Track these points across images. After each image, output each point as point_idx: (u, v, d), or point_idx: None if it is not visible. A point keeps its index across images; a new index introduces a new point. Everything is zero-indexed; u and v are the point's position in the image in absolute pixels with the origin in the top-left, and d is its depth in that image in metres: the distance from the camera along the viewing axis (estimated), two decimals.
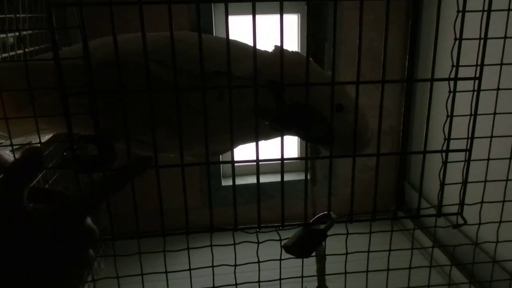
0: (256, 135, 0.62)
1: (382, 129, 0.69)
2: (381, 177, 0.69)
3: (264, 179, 1.85)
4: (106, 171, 0.60)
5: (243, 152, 1.68)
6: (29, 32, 1.25)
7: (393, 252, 0.77)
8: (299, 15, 1.85)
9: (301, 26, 1.84)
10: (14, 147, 0.64)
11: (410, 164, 1.99)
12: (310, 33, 0.62)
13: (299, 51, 1.92)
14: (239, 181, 1.96)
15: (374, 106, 0.85)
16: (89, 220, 0.34)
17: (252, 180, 1.93)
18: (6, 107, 0.60)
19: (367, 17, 0.63)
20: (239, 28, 1.75)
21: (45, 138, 1.07)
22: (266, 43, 0.67)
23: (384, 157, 0.67)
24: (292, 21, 1.86)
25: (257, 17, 0.58)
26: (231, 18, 1.75)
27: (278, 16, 0.57)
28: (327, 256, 0.74)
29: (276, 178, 2.00)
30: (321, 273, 1.06)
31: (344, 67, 1.85)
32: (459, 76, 0.63)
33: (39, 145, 0.62)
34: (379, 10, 0.61)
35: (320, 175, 2.12)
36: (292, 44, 1.86)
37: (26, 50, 1.17)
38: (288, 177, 1.73)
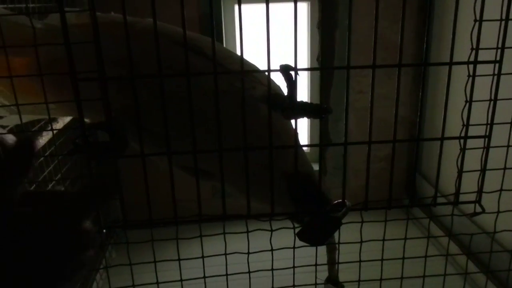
0: (269, 124, 0.60)
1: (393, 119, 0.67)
2: (394, 167, 0.67)
3: None
4: (117, 157, 0.59)
5: None
6: (36, 9, 1.24)
7: (405, 243, 0.75)
8: (309, 3, 1.82)
9: (311, 14, 1.82)
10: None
11: (421, 155, 1.96)
12: (323, 21, 0.60)
13: (309, 39, 1.90)
14: None
15: (385, 95, 0.84)
16: (86, 221, 0.32)
17: None
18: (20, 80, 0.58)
19: (379, 4, 0.61)
20: (249, 17, 1.73)
21: (56, 124, 1.07)
22: (277, 32, 0.66)
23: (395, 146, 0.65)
24: (302, 9, 1.83)
25: (263, 5, 0.57)
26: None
27: (287, 4, 0.56)
28: (340, 246, 0.73)
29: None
30: (332, 263, 1.05)
31: (354, 56, 1.82)
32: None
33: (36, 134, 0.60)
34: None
35: (330, 166, 2.10)
36: (302, 32, 1.84)
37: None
38: None
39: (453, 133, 0.65)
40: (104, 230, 0.62)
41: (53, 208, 0.31)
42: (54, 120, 1.09)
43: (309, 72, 1.90)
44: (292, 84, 0.60)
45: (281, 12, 1.64)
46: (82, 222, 0.31)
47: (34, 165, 0.31)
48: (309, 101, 0.64)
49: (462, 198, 0.69)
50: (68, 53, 0.54)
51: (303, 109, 0.62)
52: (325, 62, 0.62)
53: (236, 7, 1.75)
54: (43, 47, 0.56)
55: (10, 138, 0.31)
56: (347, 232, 0.71)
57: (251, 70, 0.60)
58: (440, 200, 0.68)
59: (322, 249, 0.73)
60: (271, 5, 0.56)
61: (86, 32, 0.56)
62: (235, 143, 0.58)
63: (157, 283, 0.70)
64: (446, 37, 1.55)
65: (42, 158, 1.13)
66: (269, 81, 0.59)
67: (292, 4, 0.56)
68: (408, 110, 1.97)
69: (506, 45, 0.61)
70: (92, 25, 0.53)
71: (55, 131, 1.00)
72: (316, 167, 2.09)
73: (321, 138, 0.76)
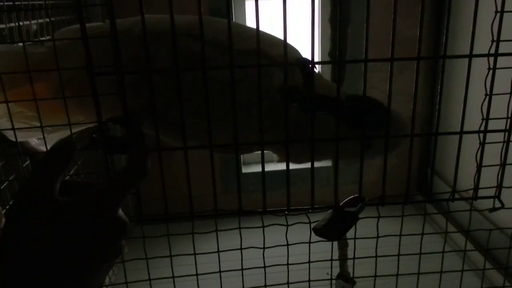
0: (285, 119, 0.60)
1: (406, 114, 0.67)
2: (405, 164, 0.67)
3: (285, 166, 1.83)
4: (134, 152, 0.59)
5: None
6: (46, 20, 1.25)
7: (416, 238, 0.75)
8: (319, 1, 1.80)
9: (321, 8, 1.80)
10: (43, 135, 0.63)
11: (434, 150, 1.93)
12: (338, 17, 0.60)
13: (319, 34, 1.89)
14: (260, 168, 1.95)
15: (398, 91, 0.83)
16: (120, 211, 0.34)
17: (272, 167, 1.91)
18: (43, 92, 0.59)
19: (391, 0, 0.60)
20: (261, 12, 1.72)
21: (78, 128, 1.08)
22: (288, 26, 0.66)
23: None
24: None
25: (274, 0, 0.56)
26: (250, 2, 1.73)
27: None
28: (356, 241, 0.72)
29: (297, 165, 1.98)
30: (343, 260, 1.05)
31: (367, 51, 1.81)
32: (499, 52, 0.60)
33: (71, 135, 0.62)
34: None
35: (342, 162, 2.09)
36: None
37: (47, 38, 1.17)
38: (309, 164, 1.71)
39: (468, 128, 0.64)
40: None
41: (89, 197, 0.32)
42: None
43: (320, 66, 1.89)
44: (309, 78, 0.60)
45: (292, 7, 1.63)
46: (116, 211, 0.32)
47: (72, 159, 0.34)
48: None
49: (480, 193, 0.68)
50: (86, 48, 0.54)
51: (320, 102, 0.61)
52: (337, 56, 0.61)
53: (247, 2, 1.74)
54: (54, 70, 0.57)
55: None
56: (360, 227, 0.70)
57: (267, 64, 0.59)
58: (461, 191, 0.67)
59: (334, 245, 0.73)
60: (278, 0, 0.55)
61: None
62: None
63: (173, 277, 0.70)
64: (459, 30, 1.53)
65: None
66: (286, 76, 0.58)
67: None
68: (420, 105, 1.95)
69: None
70: (110, 19, 0.53)
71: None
72: (328, 163, 2.08)
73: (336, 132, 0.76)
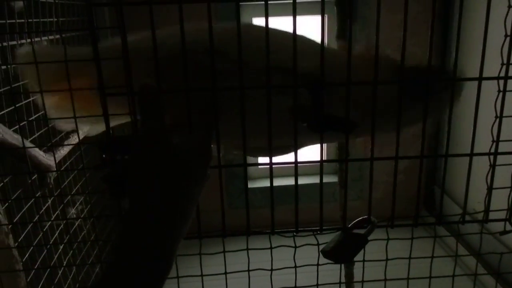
0: (294, 136, 0.60)
1: (412, 132, 0.67)
2: (411, 181, 0.66)
3: (291, 181, 1.84)
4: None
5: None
6: (57, 36, 1.27)
7: (425, 260, 0.73)
8: (326, 16, 1.82)
9: (328, 27, 1.82)
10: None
11: (441, 168, 1.92)
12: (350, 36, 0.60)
13: None
14: (266, 183, 1.94)
15: None
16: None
17: (279, 182, 1.91)
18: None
19: (397, 17, 0.61)
20: None
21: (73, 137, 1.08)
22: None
23: (413, 160, 0.64)
24: (318, 22, 1.84)
25: (284, 18, 0.56)
26: (258, 19, 1.75)
27: (305, 17, 0.55)
28: (365, 263, 0.71)
29: (302, 180, 1.97)
30: (349, 279, 1.03)
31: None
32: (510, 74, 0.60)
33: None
34: (410, 9, 0.59)
35: (349, 179, 2.09)
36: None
37: None
38: (315, 180, 1.70)
39: (477, 149, 0.63)
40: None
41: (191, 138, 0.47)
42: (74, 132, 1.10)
43: None
44: (318, 97, 0.60)
45: (299, 25, 1.64)
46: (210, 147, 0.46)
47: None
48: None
49: (491, 215, 0.67)
50: (98, 69, 0.55)
51: (329, 123, 0.61)
52: (347, 78, 0.61)
53: (255, 20, 1.76)
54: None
55: None
56: (368, 247, 0.70)
57: (279, 85, 0.59)
58: (471, 213, 0.66)
59: (343, 265, 0.72)
60: (285, 18, 0.56)
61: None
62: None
63: None
64: (468, 52, 1.53)
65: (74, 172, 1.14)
66: (295, 95, 0.58)
67: (312, 17, 0.55)
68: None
69: None
70: (122, 41, 0.54)
71: (80, 141, 1.02)
72: (334, 179, 2.07)
73: (341, 151, 0.75)
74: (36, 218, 0.94)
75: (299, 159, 0.61)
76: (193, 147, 0.43)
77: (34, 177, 0.96)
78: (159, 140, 0.41)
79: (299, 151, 0.62)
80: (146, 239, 0.36)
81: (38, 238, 0.93)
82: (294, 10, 0.55)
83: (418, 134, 0.63)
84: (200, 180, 0.42)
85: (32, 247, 0.89)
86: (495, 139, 0.64)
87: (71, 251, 1.09)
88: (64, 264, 1.02)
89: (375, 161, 0.62)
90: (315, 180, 1.95)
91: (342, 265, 0.69)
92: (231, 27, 0.56)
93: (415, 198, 0.64)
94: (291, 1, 0.53)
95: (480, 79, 0.59)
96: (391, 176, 0.63)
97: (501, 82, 0.61)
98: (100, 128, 0.65)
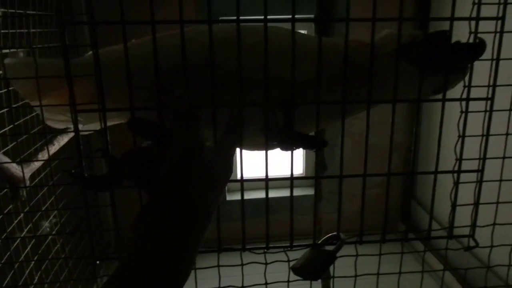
0: (266, 153, 0.61)
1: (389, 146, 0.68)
2: (388, 194, 0.68)
3: (271, 193, 1.85)
4: (114, 189, 0.59)
5: (249, 167, 1.67)
6: (39, 46, 1.27)
7: (399, 277, 0.75)
8: (305, 32, 1.86)
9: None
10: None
11: (416, 181, 1.97)
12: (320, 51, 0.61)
13: None
14: (245, 195, 1.94)
15: (379, 121, 0.85)
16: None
17: (256, 195, 1.91)
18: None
19: (377, 35, 0.63)
20: None
21: (52, 147, 1.06)
22: None
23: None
24: None
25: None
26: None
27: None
28: (334, 279, 0.72)
29: (281, 193, 1.98)
30: None
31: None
32: (471, 96, 0.63)
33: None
34: (391, 26, 0.62)
35: (325, 191, 2.10)
36: None
37: None
38: (296, 192, 1.72)
39: (448, 163, 0.66)
40: (98, 262, 0.62)
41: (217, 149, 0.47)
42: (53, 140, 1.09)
43: None
44: (288, 116, 0.61)
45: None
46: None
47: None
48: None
49: (458, 231, 0.69)
50: (69, 84, 0.55)
51: (299, 141, 0.62)
52: (316, 96, 0.62)
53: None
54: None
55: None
56: (340, 263, 0.71)
57: (249, 103, 0.60)
58: (437, 233, 0.68)
59: (317, 283, 0.72)
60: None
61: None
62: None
63: None
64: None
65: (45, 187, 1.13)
66: (267, 116, 0.59)
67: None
68: (403, 136, 1.99)
69: (498, 83, 0.63)
70: (94, 60, 0.54)
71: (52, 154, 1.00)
72: (311, 192, 2.08)
73: (316, 165, 0.77)
74: (7, 233, 0.92)
75: (270, 174, 0.63)
76: (220, 161, 0.45)
77: (5, 190, 0.95)
78: (196, 156, 0.42)
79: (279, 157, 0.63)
80: (170, 243, 0.37)
81: (7, 255, 0.91)
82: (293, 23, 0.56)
83: (395, 147, 0.64)
84: (222, 192, 0.44)
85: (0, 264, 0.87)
86: (458, 157, 0.66)
87: (44, 266, 1.07)
88: (35, 281, 1.00)
89: (355, 173, 0.63)
90: (296, 192, 1.97)
91: (313, 281, 0.69)
92: (224, 37, 0.55)
93: (391, 211, 0.66)
94: (263, 17, 0.54)
95: (444, 100, 0.62)
96: (369, 189, 0.65)
97: (464, 103, 0.63)
98: (94, 126, 0.64)
